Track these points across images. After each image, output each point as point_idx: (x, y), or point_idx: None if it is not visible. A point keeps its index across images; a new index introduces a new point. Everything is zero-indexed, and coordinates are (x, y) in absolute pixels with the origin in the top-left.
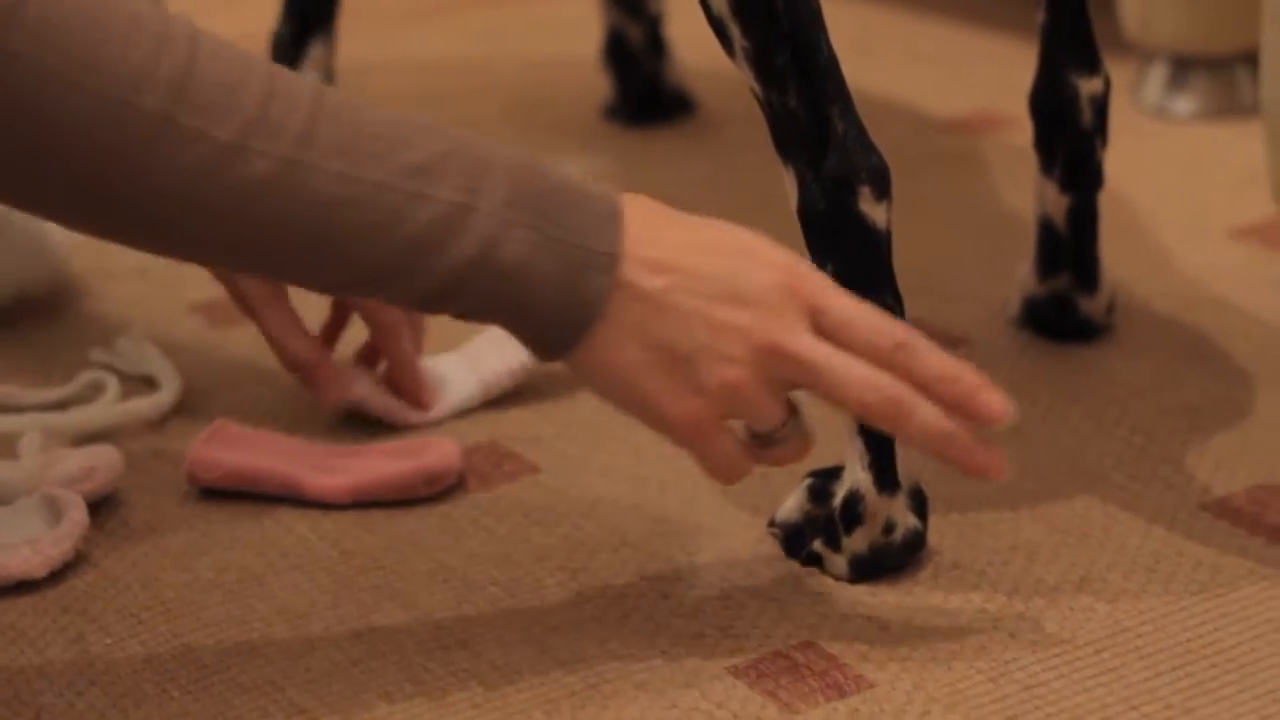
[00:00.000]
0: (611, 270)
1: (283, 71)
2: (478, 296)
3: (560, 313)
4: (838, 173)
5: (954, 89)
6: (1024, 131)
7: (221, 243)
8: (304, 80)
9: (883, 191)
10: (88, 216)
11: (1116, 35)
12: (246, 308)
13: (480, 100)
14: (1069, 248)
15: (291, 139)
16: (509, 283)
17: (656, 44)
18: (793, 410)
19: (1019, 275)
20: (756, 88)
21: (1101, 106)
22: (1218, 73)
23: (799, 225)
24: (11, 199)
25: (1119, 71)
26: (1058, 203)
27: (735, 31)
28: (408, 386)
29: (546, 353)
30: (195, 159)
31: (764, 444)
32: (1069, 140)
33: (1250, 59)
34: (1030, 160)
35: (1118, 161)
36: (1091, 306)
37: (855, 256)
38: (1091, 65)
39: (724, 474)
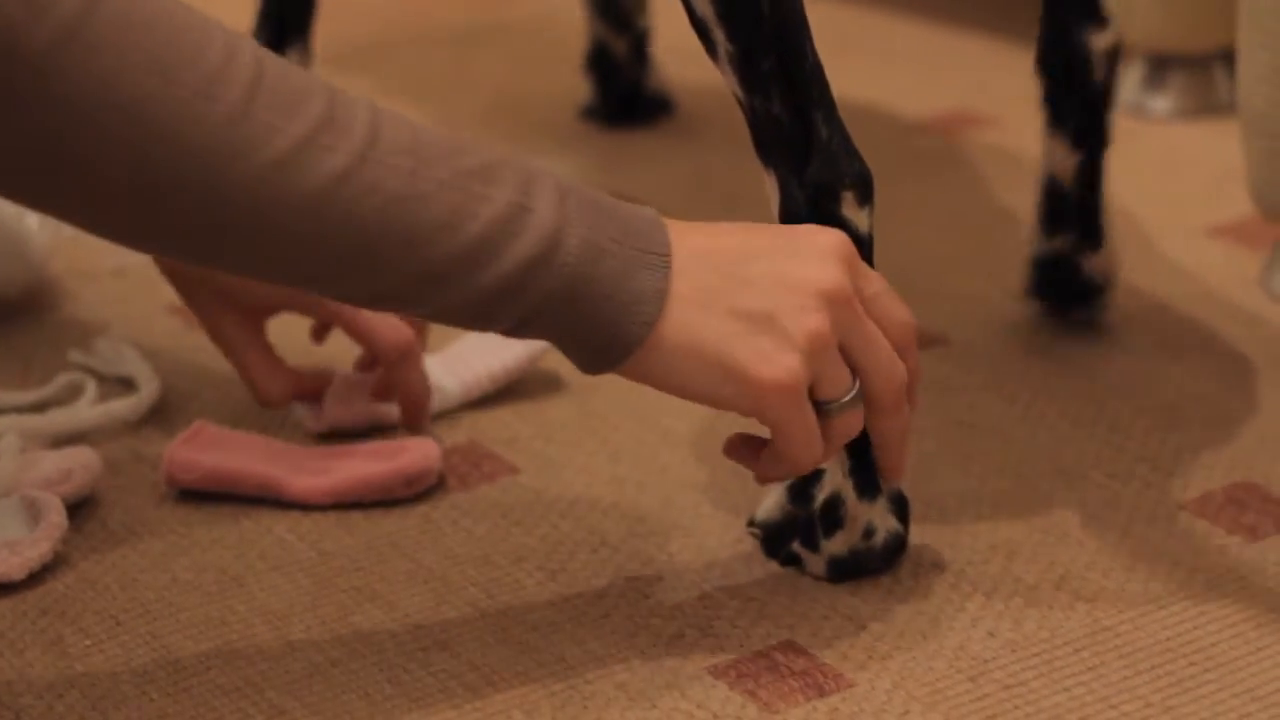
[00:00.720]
0: (667, 269)
1: (339, 91)
2: (540, 296)
3: (625, 309)
4: (821, 178)
5: (929, 89)
6: (1000, 131)
7: (294, 245)
8: (355, 94)
9: (865, 197)
10: (158, 221)
11: None
12: (225, 347)
13: (458, 99)
14: (1074, 206)
15: (360, 137)
16: (571, 281)
17: (641, 55)
18: (854, 376)
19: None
20: (739, 92)
21: (1114, 59)
22: (1195, 71)
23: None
24: (81, 203)
25: None
26: (1066, 161)
27: (720, 35)
28: (413, 416)
29: (607, 357)
30: (272, 154)
31: (828, 415)
32: (1080, 97)
33: (1227, 57)
34: (1006, 159)
35: None
36: (1095, 265)
37: None
38: (1099, 17)
39: (810, 450)
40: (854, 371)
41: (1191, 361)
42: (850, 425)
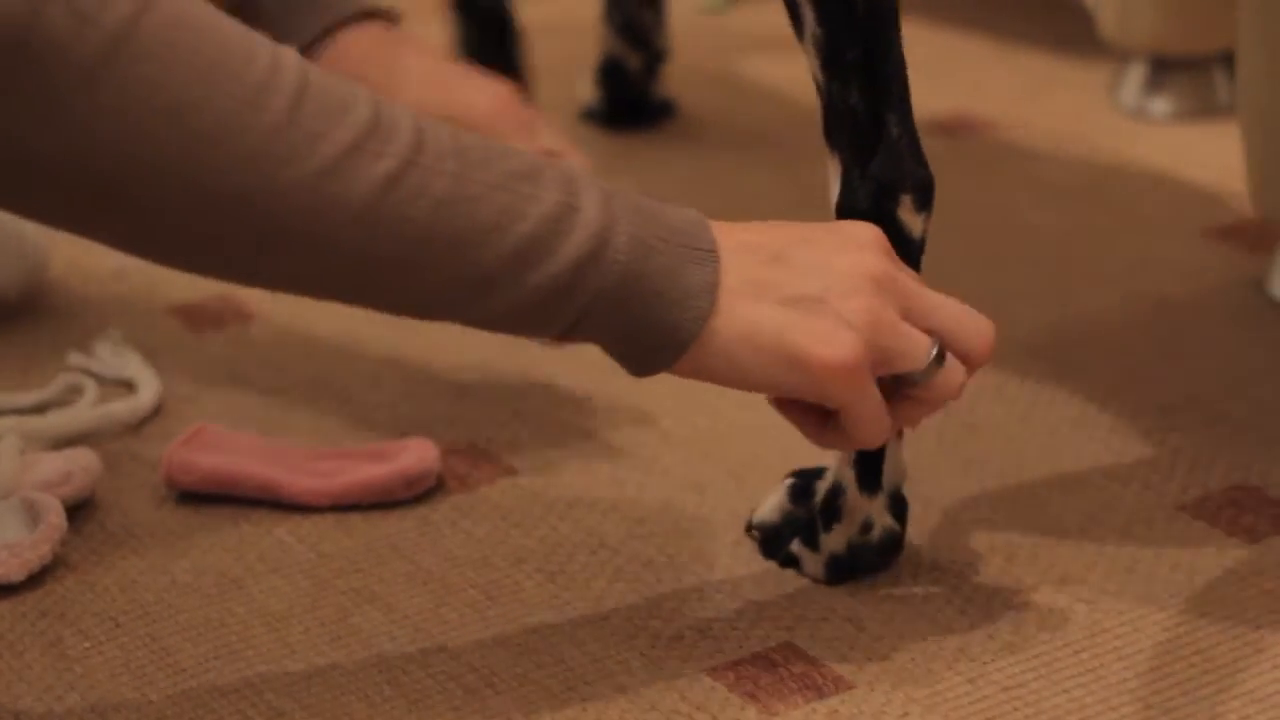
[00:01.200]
0: (716, 263)
1: (384, 100)
2: (591, 296)
3: (677, 305)
4: (884, 176)
5: (931, 91)
6: (1001, 131)
7: (345, 253)
8: (402, 107)
9: (924, 203)
10: (208, 235)
11: (1093, 36)
12: None
13: None
14: None
15: (405, 143)
16: (622, 278)
17: (653, 72)
18: (934, 339)
19: None
20: (819, 76)
21: None
22: (1195, 73)
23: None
24: (129, 223)
25: (1096, 72)
26: None
27: (810, 16)
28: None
29: (662, 355)
30: (319, 162)
31: (917, 385)
32: None
33: (1227, 60)
34: (1010, 160)
35: (1094, 162)
36: None
37: None
38: None
39: (877, 427)
40: (934, 335)
41: (1191, 363)
42: (946, 387)
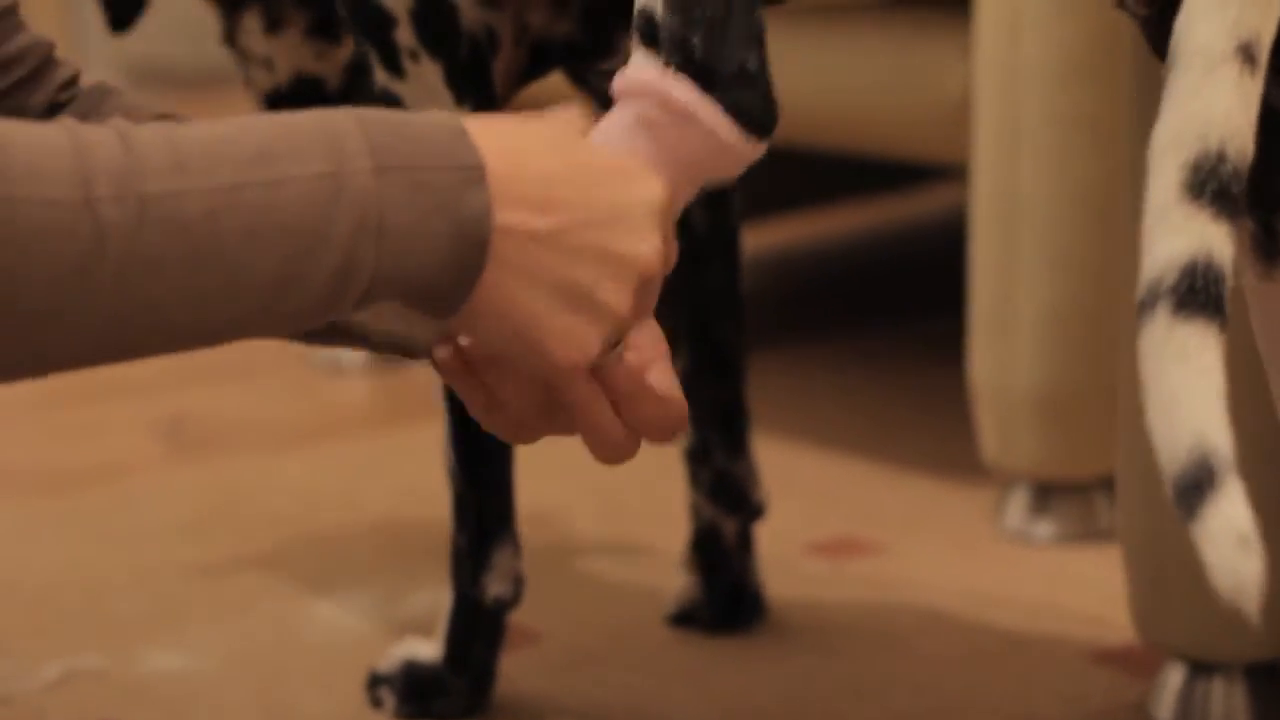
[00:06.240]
0: (483, 183)
1: (80, 125)
2: (374, 262)
3: (454, 252)
4: None
5: (817, 515)
6: (886, 556)
7: (106, 323)
8: (106, 126)
9: None
10: None
11: (976, 460)
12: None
13: (351, 536)
14: None
15: (117, 178)
16: (397, 233)
17: (746, 543)
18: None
19: None
20: None
21: None
22: (1077, 499)
23: None
24: None
25: (979, 496)
26: None
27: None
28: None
29: (445, 304)
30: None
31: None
32: None
33: (1108, 485)
34: (895, 585)
35: (980, 586)
36: None
37: None
38: None
39: (608, 431)
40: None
41: None
42: (619, 380)
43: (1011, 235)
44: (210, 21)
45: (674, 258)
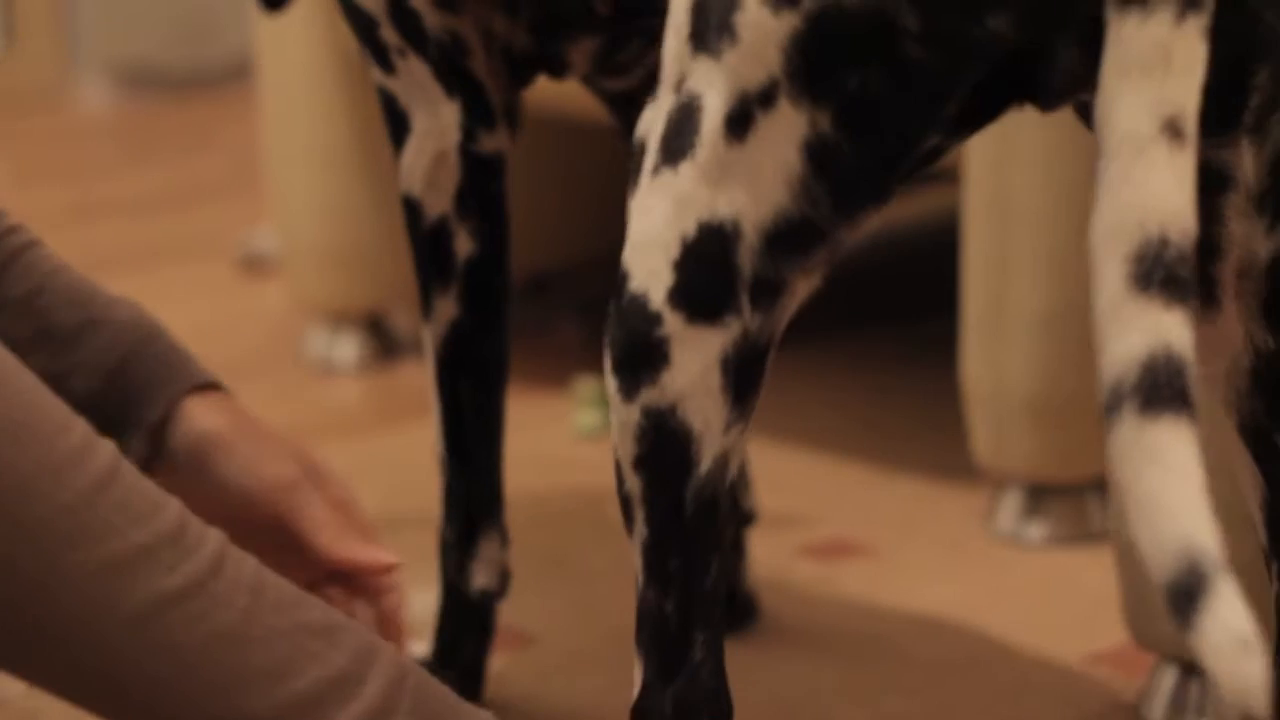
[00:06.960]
0: None
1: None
2: None
3: None
4: (686, 696)
5: (809, 518)
6: (879, 558)
7: (108, 657)
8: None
9: None
10: None
11: (968, 462)
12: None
13: None
14: None
15: (202, 565)
16: None
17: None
18: None
19: None
20: (640, 580)
21: None
22: (1070, 500)
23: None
24: None
25: (972, 498)
26: None
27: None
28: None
29: None
30: (106, 554)
31: None
32: None
33: (1101, 487)
34: (888, 588)
35: (971, 589)
36: None
37: None
38: None
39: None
40: None
41: None
42: None
43: (1004, 237)
44: (205, 23)
45: None
